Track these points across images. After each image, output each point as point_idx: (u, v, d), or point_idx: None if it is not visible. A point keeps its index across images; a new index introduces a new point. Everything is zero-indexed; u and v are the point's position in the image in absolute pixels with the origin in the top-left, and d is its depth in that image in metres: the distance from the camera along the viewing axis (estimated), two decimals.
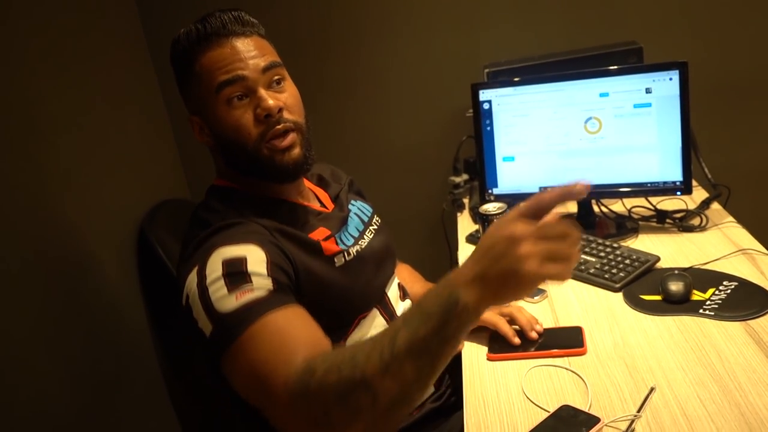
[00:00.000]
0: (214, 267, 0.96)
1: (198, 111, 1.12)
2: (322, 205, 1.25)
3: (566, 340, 1.16)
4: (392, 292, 1.26)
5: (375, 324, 1.17)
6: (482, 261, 0.75)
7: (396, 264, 1.33)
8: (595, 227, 1.63)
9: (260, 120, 1.07)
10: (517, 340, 1.17)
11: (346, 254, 1.13)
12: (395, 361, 0.76)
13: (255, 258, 0.98)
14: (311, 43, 2.13)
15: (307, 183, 1.27)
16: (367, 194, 1.44)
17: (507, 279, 0.73)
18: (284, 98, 1.11)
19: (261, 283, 0.95)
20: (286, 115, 1.10)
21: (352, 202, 1.31)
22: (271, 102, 1.07)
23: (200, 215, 1.11)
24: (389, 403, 0.78)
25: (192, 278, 0.98)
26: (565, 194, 0.75)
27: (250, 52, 1.09)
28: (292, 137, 1.10)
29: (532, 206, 0.76)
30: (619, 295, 1.31)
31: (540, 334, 1.19)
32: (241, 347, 0.89)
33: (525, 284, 0.73)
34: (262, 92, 1.08)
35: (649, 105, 1.52)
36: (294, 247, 1.05)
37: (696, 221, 1.57)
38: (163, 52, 2.10)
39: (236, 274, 0.95)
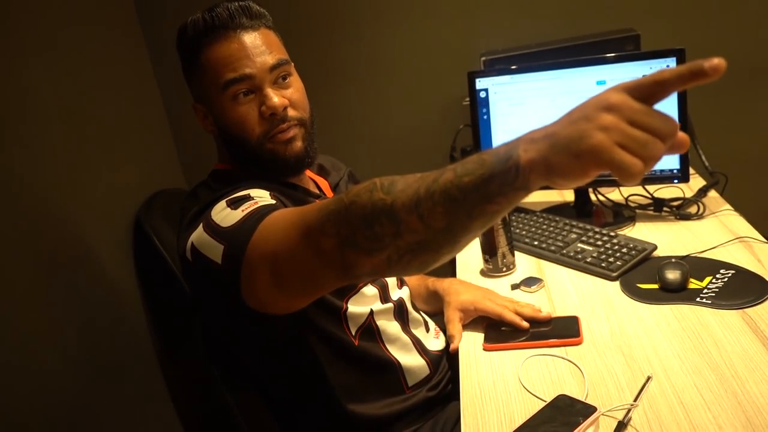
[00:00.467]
0: (218, 209, 0.98)
1: (202, 100, 1.13)
2: (322, 192, 1.25)
3: (562, 330, 1.15)
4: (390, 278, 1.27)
5: (371, 302, 1.19)
6: (561, 120, 0.64)
7: None
8: (592, 216, 1.62)
9: (265, 117, 1.08)
10: (525, 324, 1.17)
11: None
12: (428, 201, 0.69)
13: (258, 192, 1.01)
14: (307, 31, 2.11)
15: (307, 172, 1.26)
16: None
17: (570, 144, 0.60)
18: (290, 94, 1.11)
19: (265, 199, 0.97)
20: (290, 112, 1.11)
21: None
22: (276, 100, 1.08)
23: (199, 192, 1.12)
24: (412, 243, 0.72)
25: (198, 230, 0.98)
26: (694, 72, 0.58)
27: (258, 48, 1.08)
28: (294, 131, 1.11)
29: (646, 83, 0.61)
30: (616, 284, 1.30)
31: (536, 324, 1.18)
32: (258, 237, 0.88)
33: (584, 158, 0.59)
34: (269, 91, 1.08)
35: None
36: (294, 204, 1.06)
37: (693, 209, 1.56)
38: (159, 41, 2.10)
39: (239, 199, 0.97)
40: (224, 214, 0.95)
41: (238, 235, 0.90)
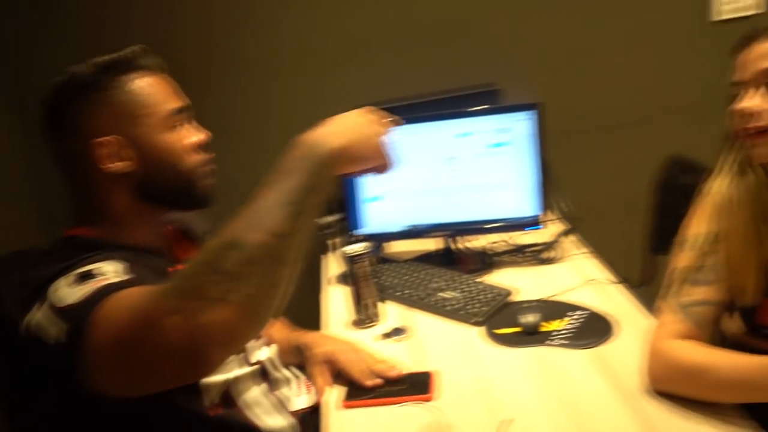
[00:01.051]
0: (62, 284, 0.93)
1: (117, 132, 1.08)
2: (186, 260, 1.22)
3: (414, 386, 1.16)
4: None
5: (231, 368, 1.14)
6: (343, 132, 0.90)
7: None
8: (456, 263, 1.67)
9: (196, 149, 1.13)
10: (370, 383, 1.18)
11: None
12: (263, 212, 0.80)
13: (110, 267, 0.96)
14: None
15: (172, 236, 1.23)
16: None
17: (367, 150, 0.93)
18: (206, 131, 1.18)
19: (116, 275, 0.94)
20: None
21: None
22: (204, 135, 1.14)
23: (44, 261, 1.04)
24: (260, 254, 0.78)
25: (39, 307, 0.92)
26: None
27: (177, 89, 1.14)
28: (211, 165, 1.16)
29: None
30: (479, 329, 1.34)
31: (388, 382, 1.18)
32: (101, 318, 0.84)
33: (378, 154, 0.96)
34: (194, 123, 1.15)
35: (505, 144, 1.61)
36: (156, 274, 1.04)
37: (551, 254, 1.66)
38: (19, 93, 2.01)
39: (87, 275, 0.93)
40: (67, 291, 0.90)
41: (79, 314, 0.86)
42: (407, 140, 1.62)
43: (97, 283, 0.90)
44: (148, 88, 1.10)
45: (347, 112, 0.94)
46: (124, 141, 1.09)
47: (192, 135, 1.14)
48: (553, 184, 1.75)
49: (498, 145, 1.62)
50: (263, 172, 1.98)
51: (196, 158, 1.13)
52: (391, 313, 1.48)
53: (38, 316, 0.91)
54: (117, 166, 1.09)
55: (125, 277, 0.94)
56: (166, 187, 1.12)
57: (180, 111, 1.12)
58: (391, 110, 1.90)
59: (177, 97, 1.13)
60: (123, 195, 1.12)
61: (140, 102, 1.09)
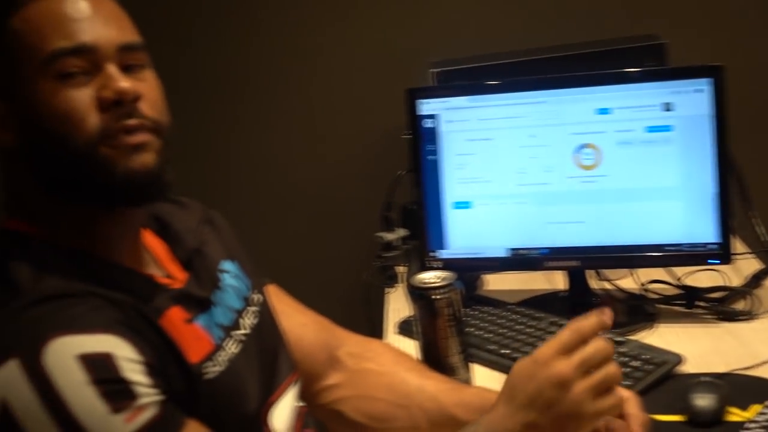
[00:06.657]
0: (65, 365, 0.92)
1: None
2: (168, 275, 1.18)
3: None
4: (280, 417, 1.21)
5: None
6: (529, 410, 0.97)
7: (292, 368, 1.30)
8: (590, 311, 1.60)
9: (105, 106, 1.06)
10: None
11: (218, 360, 1.13)
12: None
13: (123, 354, 0.97)
14: (183, 28, 2.11)
15: (148, 240, 1.22)
16: (253, 255, 1.38)
17: (565, 424, 0.96)
18: (144, 87, 1.10)
19: (147, 394, 0.96)
20: (144, 107, 1.09)
21: (223, 264, 1.27)
22: (124, 84, 1.06)
23: None
24: None
25: (14, 377, 0.91)
26: (604, 326, 1.01)
27: (104, 17, 1.09)
28: (145, 136, 1.09)
29: (572, 341, 0.97)
30: None
31: None
32: None
33: (586, 425, 0.98)
34: (113, 69, 1.07)
35: (669, 128, 1.55)
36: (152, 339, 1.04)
37: (741, 305, 1.57)
38: None
39: (111, 381, 0.94)
40: (96, 411, 0.93)
41: None
42: (516, 117, 1.59)
43: (136, 415, 0.94)
44: (43, 19, 1.08)
45: (529, 375, 0.99)
46: (5, 106, 1.10)
47: (95, 87, 1.08)
48: (748, 194, 1.65)
49: (657, 129, 1.55)
50: (285, 161, 1.88)
51: (96, 124, 1.07)
52: (480, 381, 1.40)
53: (26, 410, 0.93)
54: (3, 139, 1.11)
55: (160, 399, 0.97)
56: (60, 171, 1.09)
57: (66, 52, 1.06)
58: (487, 70, 1.86)
59: (77, 29, 1.08)
60: (30, 185, 1.13)
61: (21, 46, 1.08)
